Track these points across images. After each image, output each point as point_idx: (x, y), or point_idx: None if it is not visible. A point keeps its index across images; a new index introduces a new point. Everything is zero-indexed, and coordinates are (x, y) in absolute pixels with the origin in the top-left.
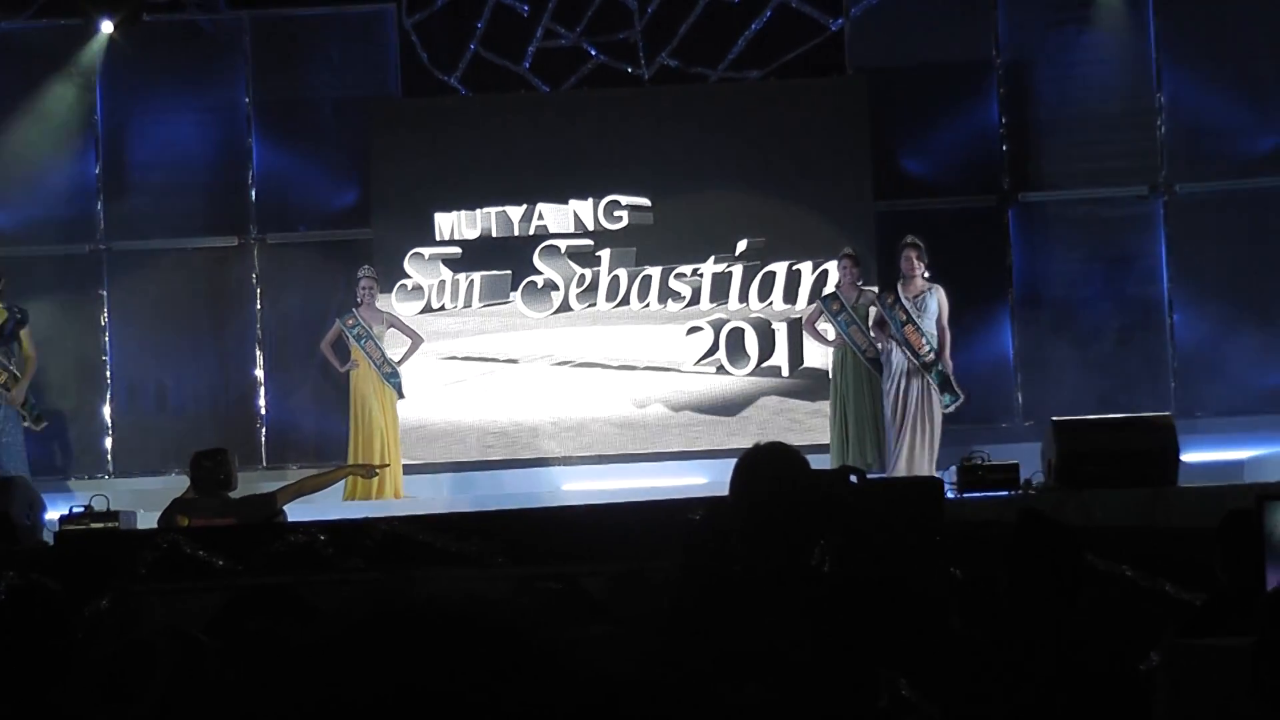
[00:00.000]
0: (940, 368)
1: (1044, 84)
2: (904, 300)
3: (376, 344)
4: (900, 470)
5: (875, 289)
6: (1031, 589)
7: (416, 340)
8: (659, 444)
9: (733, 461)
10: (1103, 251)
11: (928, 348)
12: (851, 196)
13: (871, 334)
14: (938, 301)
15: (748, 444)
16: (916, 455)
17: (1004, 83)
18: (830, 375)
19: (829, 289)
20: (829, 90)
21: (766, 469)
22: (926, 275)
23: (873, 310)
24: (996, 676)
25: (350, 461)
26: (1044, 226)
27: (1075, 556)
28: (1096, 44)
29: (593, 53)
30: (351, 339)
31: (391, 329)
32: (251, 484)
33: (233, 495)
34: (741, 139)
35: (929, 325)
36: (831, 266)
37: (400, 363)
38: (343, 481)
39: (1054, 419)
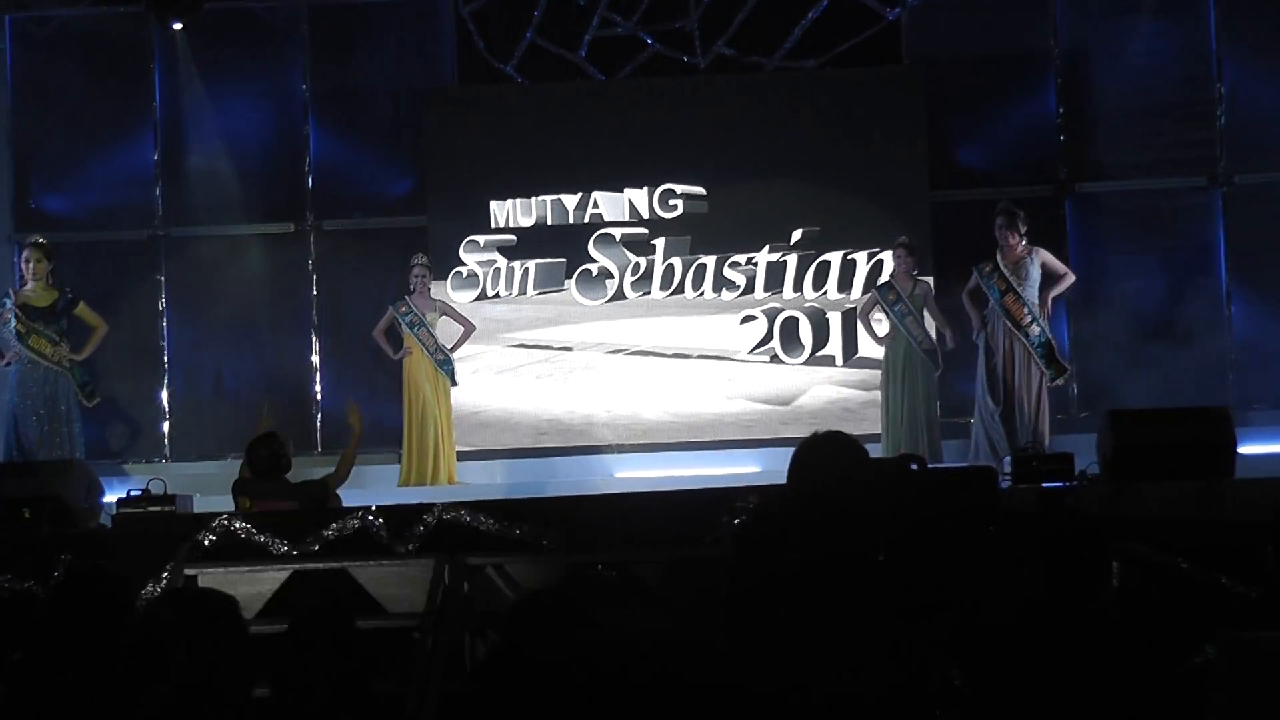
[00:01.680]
0: (1043, 338)
1: (1102, 74)
2: (1003, 268)
3: (430, 331)
4: (983, 453)
5: (930, 279)
6: (1057, 578)
7: (469, 328)
8: (712, 433)
9: (786, 451)
10: (1160, 243)
11: (1029, 317)
12: (907, 186)
13: (964, 303)
14: (1040, 265)
15: (801, 434)
16: (1022, 435)
17: (1061, 73)
18: (883, 365)
19: (884, 279)
20: (885, 80)
21: (826, 458)
22: (1020, 242)
23: (971, 279)
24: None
25: (405, 448)
26: (1101, 217)
27: (1099, 547)
28: (1155, 33)
29: (649, 41)
30: (404, 326)
31: (444, 316)
32: (306, 470)
33: (289, 478)
34: (797, 128)
35: (1030, 294)
36: (886, 256)
37: (453, 350)
38: (398, 467)
39: (1110, 410)
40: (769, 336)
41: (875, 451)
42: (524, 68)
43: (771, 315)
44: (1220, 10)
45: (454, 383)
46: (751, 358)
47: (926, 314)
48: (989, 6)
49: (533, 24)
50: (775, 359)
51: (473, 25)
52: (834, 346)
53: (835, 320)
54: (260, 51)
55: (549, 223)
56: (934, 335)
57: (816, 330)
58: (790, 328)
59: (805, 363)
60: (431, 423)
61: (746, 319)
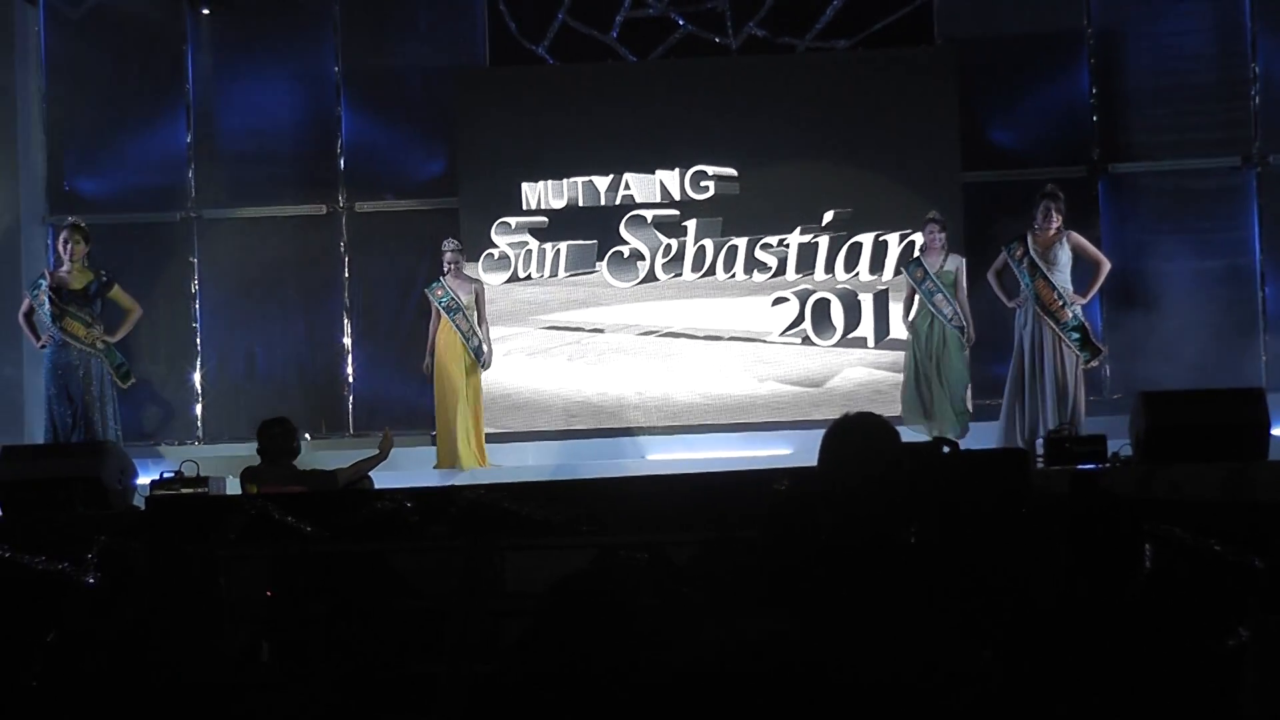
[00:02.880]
0: (1076, 321)
1: (1135, 54)
2: (1033, 253)
3: (466, 316)
4: (1016, 436)
5: (962, 258)
6: (1090, 561)
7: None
8: (744, 415)
9: (818, 433)
10: (1194, 223)
11: (1060, 301)
12: (939, 167)
13: (990, 281)
14: (1069, 249)
15: (833, 415)
16: (1051, 419)
17: (1094, 53)
18: (910, 343)
19: (914, 255)
20: (917, 60)
21: (857, 439)
22: (1057, 224)
23: (999, 257)
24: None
25: (437, 431)
26: (1134, 198)
27: (1132, 529)
28: (1189, 13)
29: (680, 22)
30: (441, 309)
31: (478, 295)
32: (338, 451)
33: (297, 464)
34: (829, 109)
35: (1061, 278)
36: (918, 237)
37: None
38: (433, 449)
39: (1142, 391)
40: (800, 318)
41: (907, 435)
42: (555, 49)
43: (803, 297)
44: None
45: (484, 366)
46: (783, 340)
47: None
48: None
49: (564, 5)
50: (807, 341)
51: (504, 6)
52: (866, 328)
53: (867, 302)
54: (292, 33)
55: (580, 204)
56: (964, 313)
57: (848, 312)
58: (822, 309)
59: (837, 344)
60: (456, 405)
61: (778, 301)
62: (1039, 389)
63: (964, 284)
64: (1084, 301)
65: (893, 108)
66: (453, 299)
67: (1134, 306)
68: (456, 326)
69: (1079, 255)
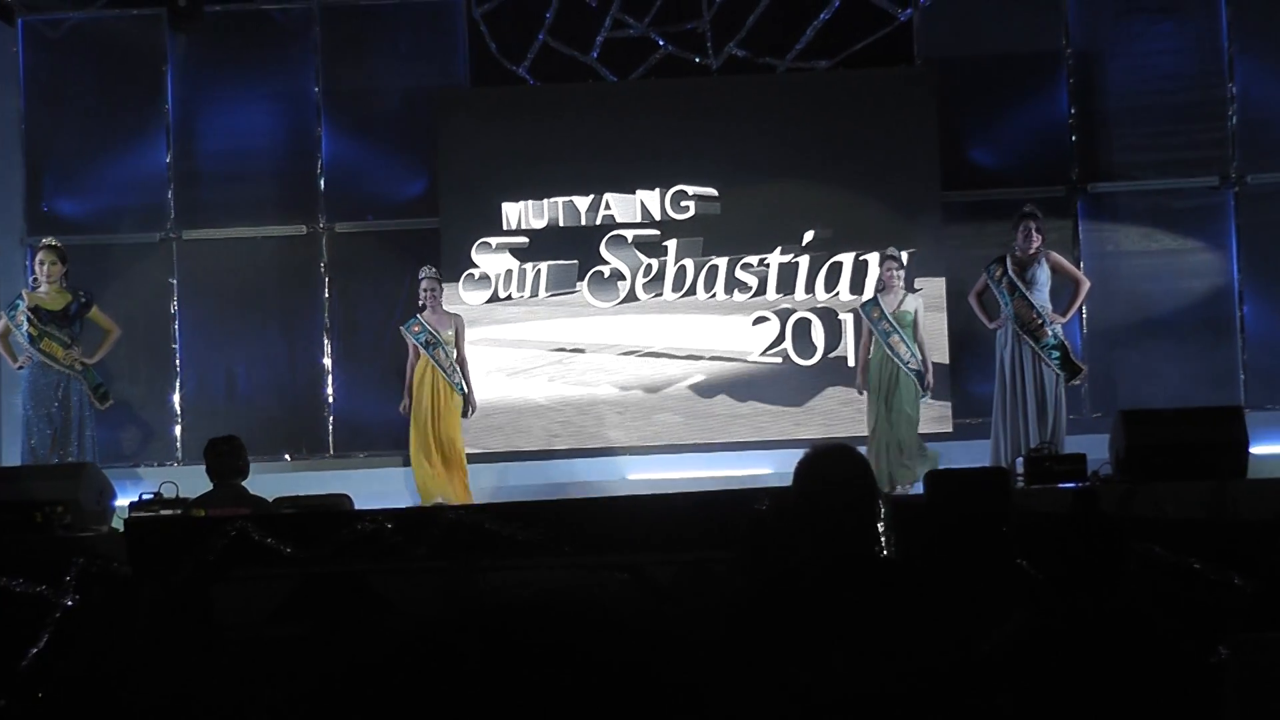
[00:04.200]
0: (1055, 340)
1: (1114, 74)
2: (1011, 273)
3: (446, 352)
4: (1004, 455)
5: (920, 296)
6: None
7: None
8: (725, 434)
9: (799, 452)
10: (1172, 243)
11: (1039, 320)
12: (919, 187)
13: (971, 304)
14: (1048, 268)
15: (814, 434)
16: (1033, 438)
17: (1073, 73)
18: (870, 380)
19: (868, 294)
20: (897, 80)
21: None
22: (1037, 244)
23: (979, 280)
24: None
25: (413, 462)
26: (1113, 217)
27: (1117, 545)
28: (1167, 34)
29: (661, 43)
30: (420, 346)
31: (458, 330)
32: (319, 472)
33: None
34: (809, 129)
35: (1040, 296)
36: (903, 257)
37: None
38: (417, 483)
39: (1122, 410)
40: (781, 338)
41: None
42: (536, 69)
43: (784, 316)
44: (1232, 10)
45: (465, 413)
46: (764, 359)
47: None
48: (1000, 7)
49: (545, 25)
50: (787, 360)
51: (485, 27)
52: (846, 348)
53: (848, 321)
54: (272, 53)
55: (561, 224)
56: (921, 356)
57: (829, 331)
58: (802, 329)
59: (817, 364)
60: (426, 439)
61: (759, 320)
62: (1020, 408)
63: (923, 324)
64: (1064, 321)
65: (873, 128)
66: (431, 334)
67: (1113, 325)
68: (437, 363)
69: (1059, 274)
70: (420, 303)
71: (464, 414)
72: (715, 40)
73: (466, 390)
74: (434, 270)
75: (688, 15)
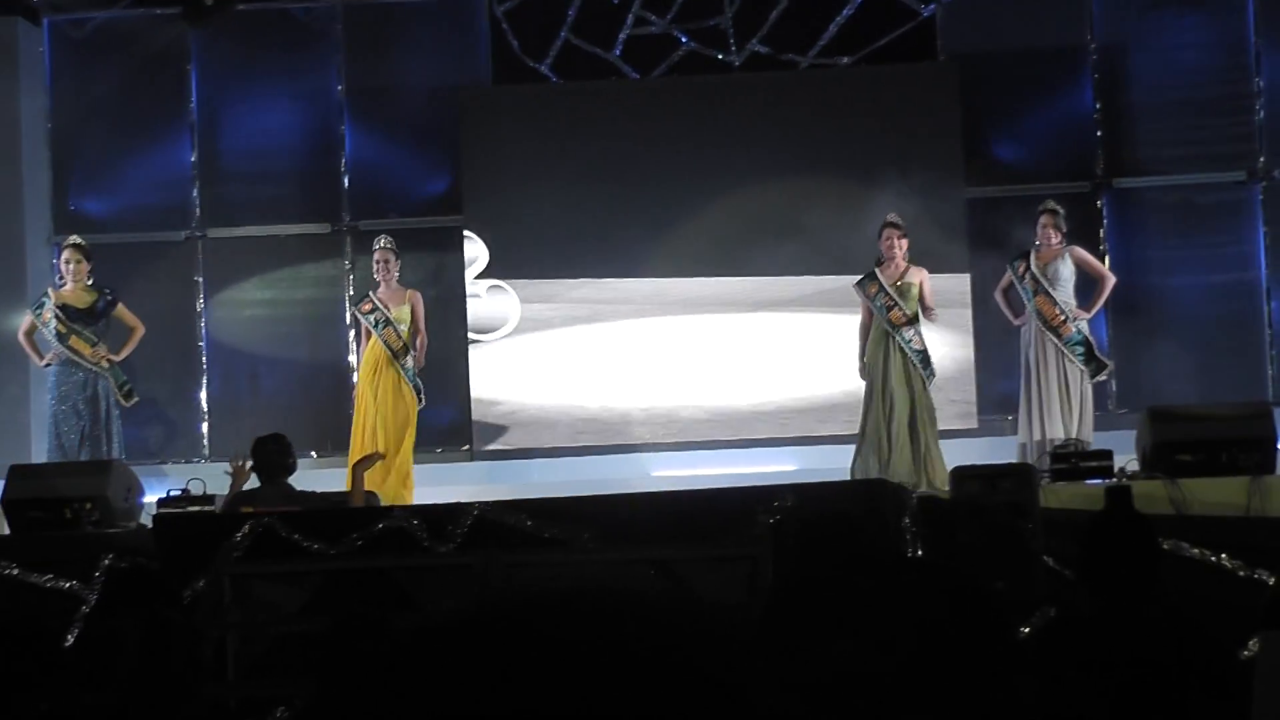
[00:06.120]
0: (1079, 336)
1: (1139, 68)
2: (1034, 269)
3: (396, 330)
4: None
5: (924, 269)
6: (1106, 574)
7: (422, 339)
8: (749, 431)
9: (823, 449)
10: (1198, 238)
11: (1062, 316)
12: (943, 183)
13: (996, 300)
14: (1072, 264)
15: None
16: (1059, 434)
17: (1098, 67)
18: (867, 374)
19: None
20: (920, 76)
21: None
22: (1057, 241)
23: (1004, 276)
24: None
25: (350, 456)
26: (1138, 213)
27: (1151, 545)
28: (1193, 27)
29: (683, 40)
30: (370, 326)
31: (414, 307)
32: (343, 469)
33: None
34: (831, 125)
35: (1063, 293)
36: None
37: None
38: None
39: (1149, 406)
40: (804, 333)
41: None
42: (558, 66)
43: (803, 310)
44: (1258, 3)
45: (420, 399)
46: (788, 355)
47: (921, 310)
48: (1024, 1)
49: (567, 23)
50: (812, 356)
51: (507, 24)
52: None
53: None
54: (296, 52)
55: (584, 220)
56: (923, 337)
57: (852, 328)
58: (823, 324)
59: (843, 359)
60: (371, 435)
61: (782, 315)
62: (1045, 405)
63: (929, 302)
64: (1088, 316)
65: (896, 124)
66: (381, 312)
67: (1139, 321)
68: (386, 344)
69: (1083, 270)
70: (375, 276)
71: (416, 390)
72: (738, 37)
73: (415, 377)
74: (388, 240)
75: (710, 12)
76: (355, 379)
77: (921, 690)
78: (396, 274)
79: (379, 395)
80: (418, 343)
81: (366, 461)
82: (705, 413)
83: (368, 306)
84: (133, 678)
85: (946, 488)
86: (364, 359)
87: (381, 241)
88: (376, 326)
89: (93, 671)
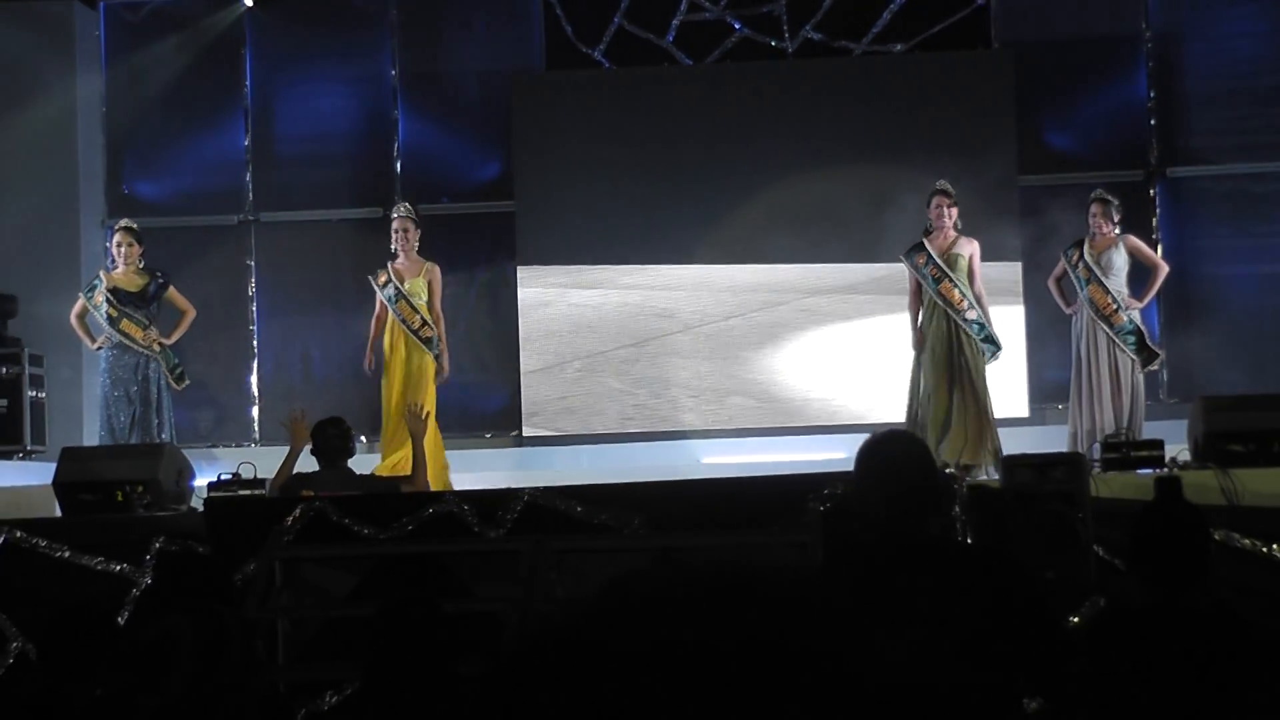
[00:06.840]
0: (1130, 326)
1: (1193, 57)
2: (1088, 258)
3: (410, 303)
4: (1082, 441)
5: (975, 241)
6: (1156, 564)
7: (437, 315)
8: (798, 418)
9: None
10: (1252, 227)
11: (1114, 305)
12: (996, 170)
13: (1050, 289)
14: (1125, 253)
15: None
16: (1110, 423)
17: (1152, 55)
18: (920, 348)
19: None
20: (974, 64)
21: (899, 446)
22: (1112, 231)
23: (1058, 265)
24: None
25: (381, 445)
26: (1192, 202)
27: (1202, 536)
28: (1247, 15)
29: (736, 26)
30: (385, 300)
31: (431, 281)
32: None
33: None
34: (885, 112)
35: (1116, 282)
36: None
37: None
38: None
39: (1201, 396)
40: (856, 320)
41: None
42: (611, 52)
43: (855, 297)
44: None
45: (441, 371)
46: (838, 342)
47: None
48: None
49: (620, 8)
50: (863, 342)
51: (560, 10)
52: None
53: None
54: (349, 36)
55: (637, 206)
56: (983, 309)
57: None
58: (879, 311)
59: (894, 346)
60: (395, 421)
61: (834, 302)
62: (1096, 394)
63: (978, 274)
64: (1140, 306)
65: (950, 111)
66: (395, 286)
67: (1192, 310)
68: (401, 319)
69: (1136, 259)
70: (392, 248)
71: (437, 366)
72: (791, 23)
73: (439, 350)
74: (407, 208)
75: None
76: (371, 346)
77: (964, 682)
78: (416, 244)
79: (398, 373)
80: (437, 323)
81: (421, 425)
82: (754, 399)
83: (383, 278)
84: (189, 665)
85: (1002, 456)
86: (387, 339)
87: (401, 209)
88: (391, 301)
89: (146, 658)
